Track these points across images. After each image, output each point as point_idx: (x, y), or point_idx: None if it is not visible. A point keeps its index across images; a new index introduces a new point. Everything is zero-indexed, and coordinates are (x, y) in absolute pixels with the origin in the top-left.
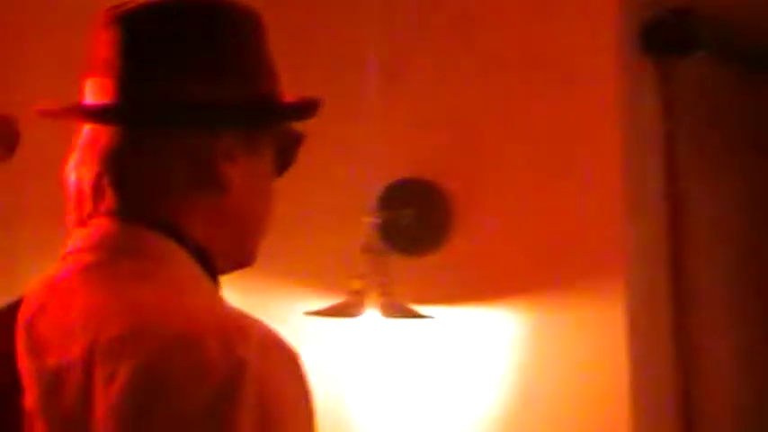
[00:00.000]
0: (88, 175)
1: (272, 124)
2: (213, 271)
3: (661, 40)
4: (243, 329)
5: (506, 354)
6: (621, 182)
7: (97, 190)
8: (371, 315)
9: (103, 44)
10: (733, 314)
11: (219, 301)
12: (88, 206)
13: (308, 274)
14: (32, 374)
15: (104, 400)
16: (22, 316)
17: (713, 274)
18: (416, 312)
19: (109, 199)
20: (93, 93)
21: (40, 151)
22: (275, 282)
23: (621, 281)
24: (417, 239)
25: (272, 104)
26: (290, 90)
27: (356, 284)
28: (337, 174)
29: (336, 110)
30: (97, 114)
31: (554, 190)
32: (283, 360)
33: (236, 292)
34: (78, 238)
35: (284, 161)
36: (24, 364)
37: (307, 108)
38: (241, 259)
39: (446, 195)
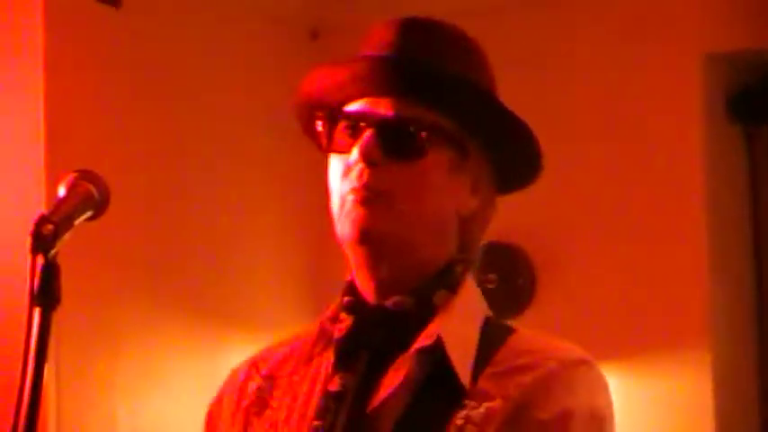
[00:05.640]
0: None
1: None
2: None
3: (748, 107)
4: None
5: None
6: (707, 245)
7: None
8: None
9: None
10: None
11: None
12: None
13: None
14: None
15: None
16: None
17: None
18: None
19: None
20: None
21: None
22: None
23: (706, 345)
24: (501, 304)
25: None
26: None
27: None
28: None
29: None
30: None
31: (639, 254)
32: None
33: None
34: None
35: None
36: None
37: None
38: None
39: (530, 260)
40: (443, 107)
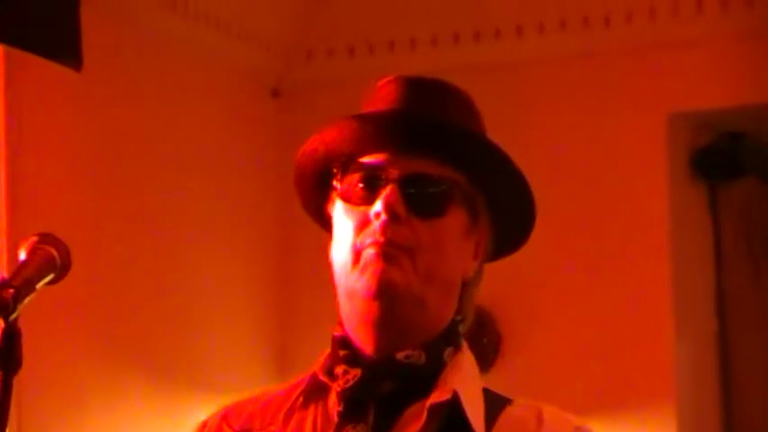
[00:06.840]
0: None
1: None
2: None
3: (711, 165)
4: None
5: None
6: (672, 303)
7: None
8: None
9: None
10: None
11: None
12: None
13: None
14: None
15: None
16: None
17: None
18: None
19: None
20: None
21: None
22: None
23: (671, 402)
24: None
25: None
26: None
27: None
28: None
29: None
30: None
31: (604, 313)
32: None
33: None
34: None
35: None
36: None
37: None
38: None
39: (495, 320)
40: (460, 162)
